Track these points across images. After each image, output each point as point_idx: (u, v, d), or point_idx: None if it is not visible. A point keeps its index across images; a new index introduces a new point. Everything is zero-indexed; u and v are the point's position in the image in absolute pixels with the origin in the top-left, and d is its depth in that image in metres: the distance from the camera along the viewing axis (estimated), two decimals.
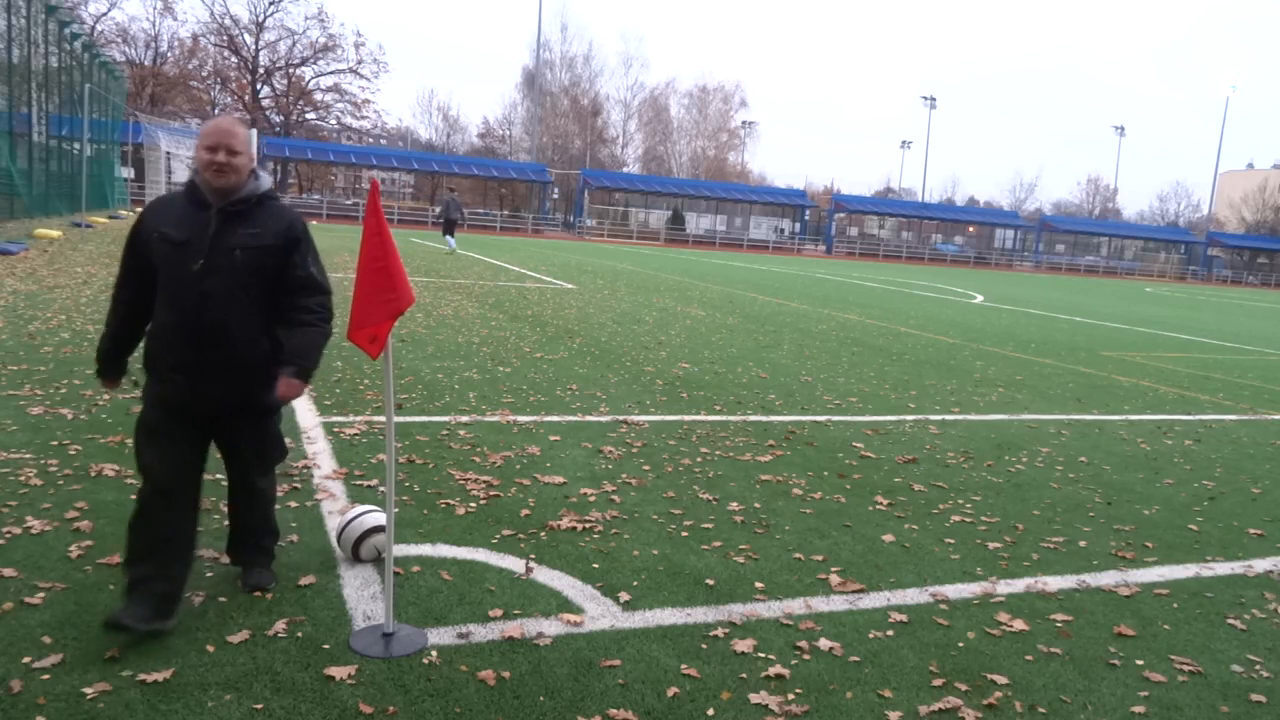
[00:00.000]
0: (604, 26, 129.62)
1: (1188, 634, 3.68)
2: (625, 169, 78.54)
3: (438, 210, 37.15)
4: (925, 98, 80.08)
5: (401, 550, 3.90)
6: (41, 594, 3.26)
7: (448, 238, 27.61)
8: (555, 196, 65.35)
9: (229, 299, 3.09)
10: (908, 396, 8.41)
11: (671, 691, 2.93)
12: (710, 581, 3.82)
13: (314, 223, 44.53)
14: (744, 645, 3.26)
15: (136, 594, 3.00)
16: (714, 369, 9.11)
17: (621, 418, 6.65)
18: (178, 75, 63.62)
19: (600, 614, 3.45)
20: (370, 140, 72.02)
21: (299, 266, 3.19)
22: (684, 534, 4.35)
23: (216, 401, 3.19)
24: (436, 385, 7.34)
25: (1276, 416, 8.94)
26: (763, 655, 3.21)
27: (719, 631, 3.38)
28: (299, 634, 3.12)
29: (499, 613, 3.39)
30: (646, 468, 5.41)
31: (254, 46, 65.44)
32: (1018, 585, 4.05)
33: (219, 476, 4.66)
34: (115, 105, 36.57)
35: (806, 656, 3.23)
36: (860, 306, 18.36)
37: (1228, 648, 3.58)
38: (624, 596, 3.61)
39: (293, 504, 4.36)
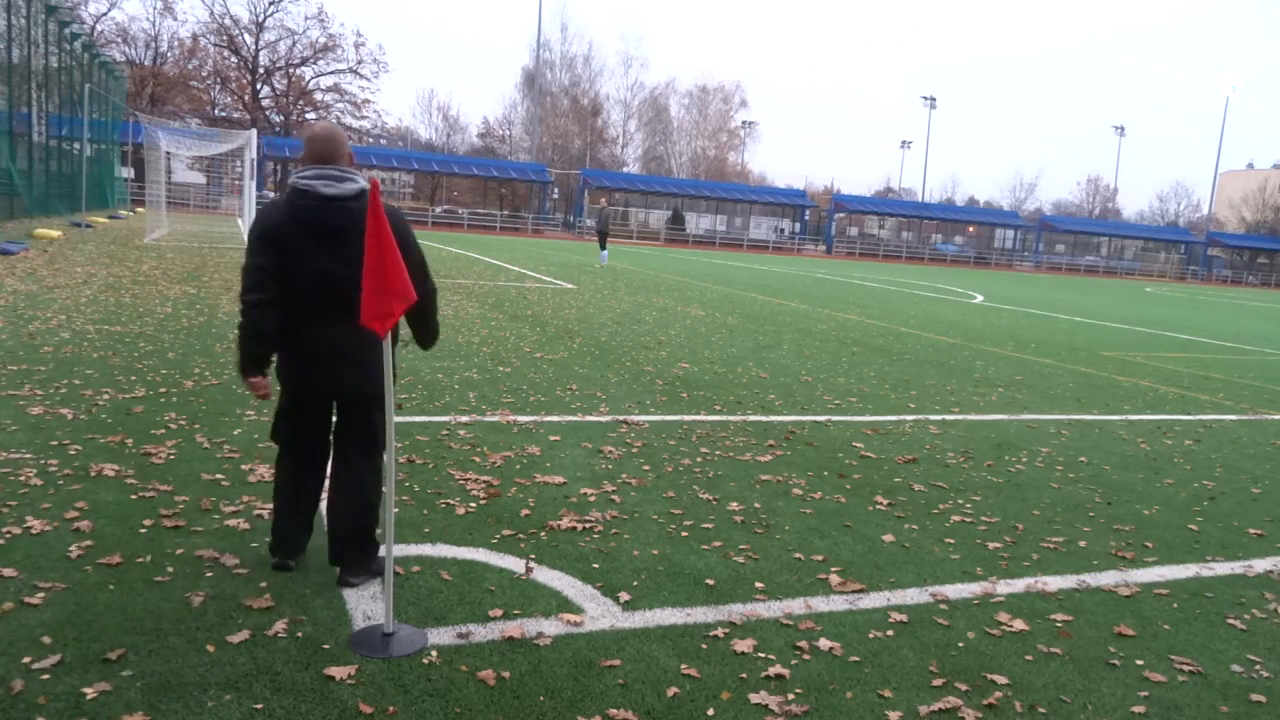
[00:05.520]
0: (604, 26, 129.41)
1: (1188, 634, 3.68)
2: (625, 169, 78.53)
3: (592, 223, 36.38)
4: (925, 98, 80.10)
5: (401, 550, 3.90)
6: (41, 594, 3.26)
7: (602, 252, 26.85)
8: (555, 196, 65.34)
9: None
10: (908, 396, 8.41)
11: (671, 691, 2.93)
12: (710, 581, 3.82)
13: None
14: (744, 645, 3.26)
15: None
16: (714, 369, 9.11)
17: (621, 418, 6.65)
18: (178, 75, 63.58)
19: (600, 614, 3.45)
20: (370, 140, 72.01)
21: None
22: (684, 534, 4.35)
23: None
24: (436, 385, 7.33)
25: (1276, 416, 8.94)
26: (763, 655, 3.21)
27: (719, 631, 3.38)
28: (299, 634, 3.12)
29: (499, 613, 3.39)
30: (646, 468, 5.41)
31: (254, 46, 65.44)
32: (1018, 585, 4.04)
33: (219, 476, 4.68)
34: (115, 105, 36.60)
35: (806, 656, 3.23)
36: (860, 306, 18.36)
37: (1228, 648, 3.58)
38: (624, 596, 3.61)
39: None
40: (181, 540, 3.83)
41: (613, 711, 2.79)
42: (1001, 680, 3.16)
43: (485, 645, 3.14)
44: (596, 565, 3.91)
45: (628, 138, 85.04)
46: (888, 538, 4.51)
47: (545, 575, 3.77)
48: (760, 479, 5.34)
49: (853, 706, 2.93)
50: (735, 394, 7.89)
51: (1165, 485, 5.92)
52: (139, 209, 37.56)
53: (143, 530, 3.91)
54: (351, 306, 3.29)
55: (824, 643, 3.33)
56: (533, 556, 3.94)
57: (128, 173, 43.58)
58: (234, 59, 65.99)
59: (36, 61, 22.61)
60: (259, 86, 66.21)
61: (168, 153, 28.98)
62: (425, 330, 3.69)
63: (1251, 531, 5.08)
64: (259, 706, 2.68)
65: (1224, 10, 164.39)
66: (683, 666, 3.09)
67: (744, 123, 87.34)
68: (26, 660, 2.82)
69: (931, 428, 7.13)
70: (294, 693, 2.77)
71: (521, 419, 6.40)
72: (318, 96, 68.33)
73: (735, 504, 4.85)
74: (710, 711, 2.84)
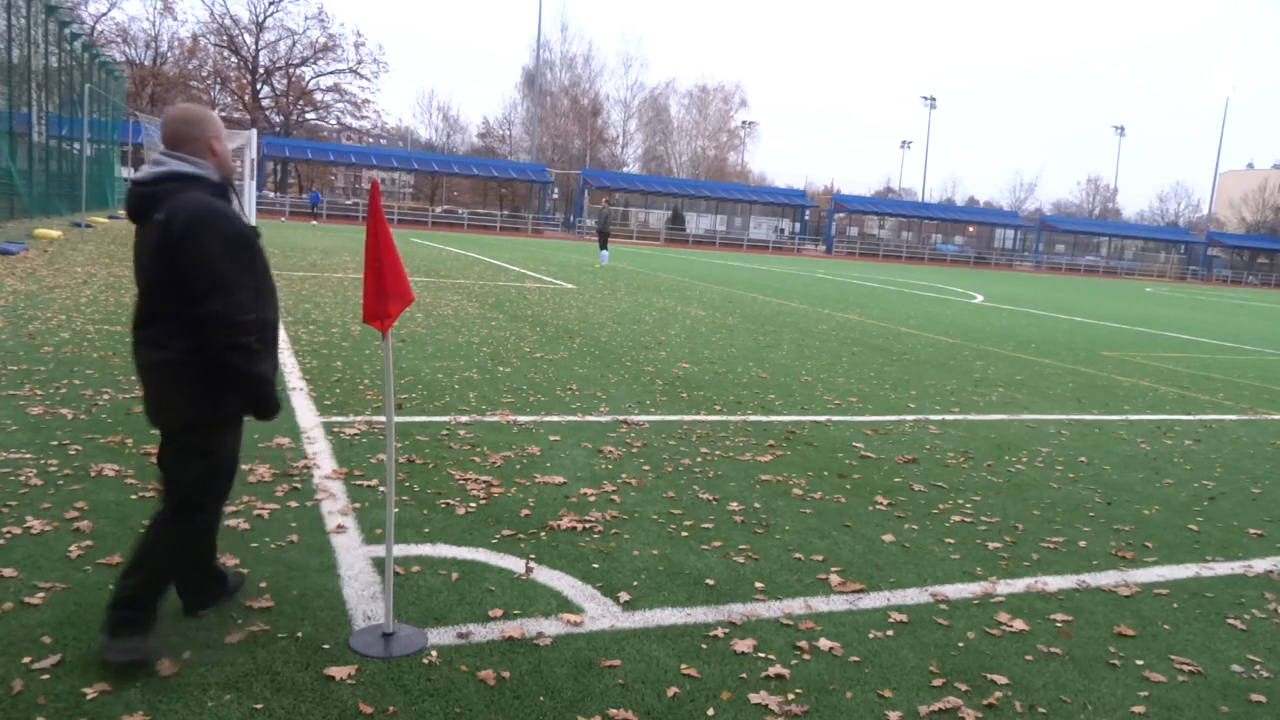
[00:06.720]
0: (604, 26, 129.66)
1: (1188, 634, 3.68)
2: (625, 169, 78.55)
3: (592, 223, 36.10)
4: (925, 98, 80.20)
5: (401, 550, 3.90)
6: (41, 594, 3.26)
7: (602, 252, 27.21)
8: (555, 196, 65.35)
9: None
10: (908, 396, 8.41)
11: (671, 691, 2.93)
12: (710, 581, 3.82)
13: (314, 223, 44.56)
14: (744, 645, 3.26)
15: None
16: (714, 369, 9.11)
17: (621, 418, 6.65)
18: (178, 75, 63.64)
19: (600, 614, 3.45)
20: (370, 140, 72.03)
21: None
22: (684, 534, 4.35)
23: None
24: (436, 385, 7.34)
25: (1276, 416, 8.94)
26: (763, 655, 3.21)
27: (719, 631, 3.38)
28: (299, 634, 3.12)
29: (499, 613, 3.39)
30: (646, 468, 5.41)
31: (254, 46, 65.50)
32: (1018, 585, 4.04)
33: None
34: (115, 105, 36.60)
35: (806, 656, 3.23)
36: (860, 306, 18.36)
37: (1228, 648, 3.58)
38: (624, 596, 3.61)
39: (293, 504, 4.36)
40: None
41: (613, 711, 2.79)
42: (1001, 680, 3.16)
43: (485, 645, 3.14)
44: (596, 565, 3.91)
45: (628, 138, 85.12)
46: (888, 538, 4.51)
47: (545, 575, 3.77)
48: (760, 479, 5.34)
49: (853, 706, 2.93)
50: (735, 394, 7.89)
51: (1165, 485, 5.92)
52: None
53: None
54: (147, 310, 2.86)
55: (824, 643, 3.33)
56: (533, 556, 3.95)
57: (128, 173, 43.58)
58: (234, 59, 66.05)
59: (36, 61, 22.60)
60: (259, 86, 66.24)
61: None
62: (232, 380, 2.85)
63: (1251, 531, 5.08)
64: (259, 706, 2.68)
65: (1224, 11, 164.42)
66: (683, 666, 3.09)
67: (744, 123, 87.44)
68: (26, 660, 2.83)
69: (931, 428, 7.13)
70: (294, 693, 2.77)
71: (521, 419, 6.40)
72: (318, 96, 68.39)
73: (735, 504, 4.85)
74: (710, 711, 2.84)
